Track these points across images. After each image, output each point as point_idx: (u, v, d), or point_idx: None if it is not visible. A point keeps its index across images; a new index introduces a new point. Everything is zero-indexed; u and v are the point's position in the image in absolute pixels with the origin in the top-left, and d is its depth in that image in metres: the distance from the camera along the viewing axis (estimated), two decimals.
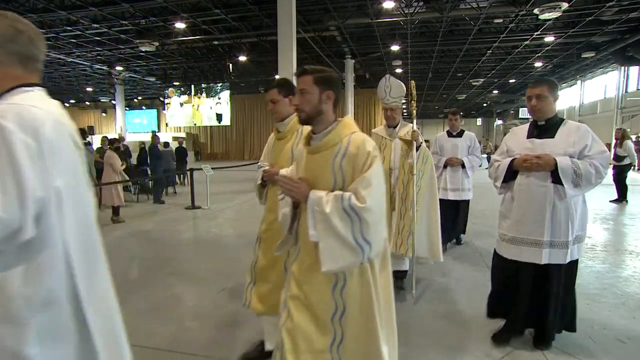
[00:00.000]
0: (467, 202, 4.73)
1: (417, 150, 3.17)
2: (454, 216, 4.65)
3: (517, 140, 2.40)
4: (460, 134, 4.67)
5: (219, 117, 21.16)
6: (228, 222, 6.74)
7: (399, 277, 3.38)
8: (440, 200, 3.66)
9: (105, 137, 9.20)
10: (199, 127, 28.41)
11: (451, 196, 4.55)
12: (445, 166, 4.58)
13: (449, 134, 4.71)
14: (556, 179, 2.17)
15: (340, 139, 1.51)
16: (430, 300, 3.26)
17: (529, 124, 2.43)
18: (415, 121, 3.29)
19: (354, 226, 1.39)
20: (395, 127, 3.37)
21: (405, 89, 3.30)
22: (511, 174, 2.35)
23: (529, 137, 2.35)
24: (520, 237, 2.31)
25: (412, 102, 3.32)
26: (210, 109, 21.26)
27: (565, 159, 2.15)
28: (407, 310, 3.03)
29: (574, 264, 2.33)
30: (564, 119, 2.30)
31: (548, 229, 2.22)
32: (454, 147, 4.60)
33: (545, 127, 2.31)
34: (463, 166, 4.57)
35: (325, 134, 1.54)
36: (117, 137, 14.68)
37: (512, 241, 2.34)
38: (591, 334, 2.61)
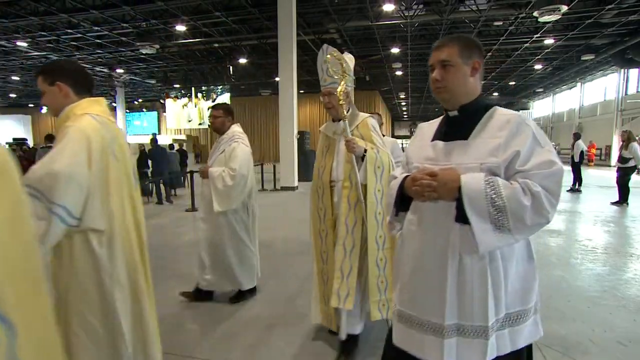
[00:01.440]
0: None
1: (362, 161, 2.24)
2: None
3: (420, 144, 1.39)
4: None
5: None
6: None
7: (346, 348, 2.32)
8: None
9: None
10: (200, 129, 28.49)
11: None
12: None
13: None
14: (462, 215, 1.17)
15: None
16: None
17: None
18: (346, 122, 2.27)
19: None
20: (340, 120, 2.33)
21: (352, 64, 2.37)
22: (406, 202, 1.35)
23: (434, 137, 1.35)
24: (410, 315, 1.32)
25: (342, 83, 2.26)
26: (202, 111, 21.49)
27: (475, 179, 1.15)
28: None
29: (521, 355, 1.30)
30: (492, 105, 1.29)
31: (452, 304, 1.22)
32: None
33: (458, 120, 1.30)
34: None
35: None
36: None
37: (401, 319, 1.35)
38: (592, 336, 2.60)
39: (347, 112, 2.32)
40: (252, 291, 3.31)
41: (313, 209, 2.50)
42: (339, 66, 2.26)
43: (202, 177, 3.08)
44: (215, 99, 21.39)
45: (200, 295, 3.19)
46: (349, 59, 2.37)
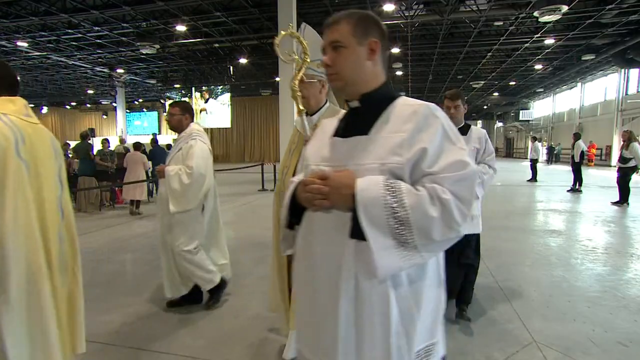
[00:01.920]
0: (473, 238, 2.89)
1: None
2: (452, 261, 2.73)
3: (320, 142, 1.15)
4: (463, 131, 2.86)
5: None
6: (228, 224, 6.73)
7: None
8: None
9: (106, 139, 9.29)
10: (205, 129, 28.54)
11: None
12: None
13: None
14: (359, 229, 0.92)
15: None
16: None
17: None
18: (303, 117, 1.79)
19: None
20: (313, 114, 2.04)
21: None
22: (301, 212, 1.10)
23: (335, 134, 1.11)
24: (305, 357, 1.09)
25: (302, 68, 1.80)
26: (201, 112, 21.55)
27: (374, 183, 0.92)
28: None
29: None
30: (397, 95, 1.06)
31: (347, 344, 0.97)
32: None
33: (360, 112, 1.07)
34: None
35: None
36: (122, 140, 14.71)
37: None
38: (592, 337, 2.60)
39: (323, 106, 2.05)
40: (198, 297, 3.15)
41: (275, 216, 2.20)
42: (298, 45, 1.86)
43: (159, 177, 2.94)
44: (207, 99, 21.37)
45: (188, 299, 3.11)
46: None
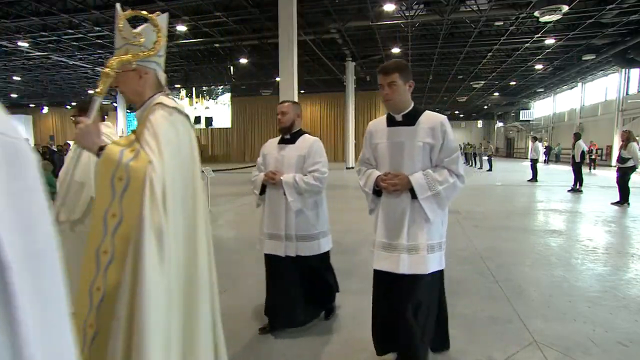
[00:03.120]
0: (426, 281, 1.94)
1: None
2: (401, 310, 1.95)
3: None
4: (410, 119, 1.99)
5: (209, 121, 21.42)
6: (229, 224, 6.74)
7: None
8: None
9: None
10: (200, 129, 28.49)
11: (388, 264, 1.96)
12: (377, 192, 2.05)
13: (391, 121, 2.07)
14: None
15: None
16: None
17: None
18: (94, 99, 1.53)
19: None
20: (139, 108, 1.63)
21: (150, 34, 1.59)
22: None
23: None
24: None
25: (126, 56, 1.62)
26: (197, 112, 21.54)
27: None
28: None
29: None
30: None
31: None
32: (397, 147, 2.00)
33: None
34: (414, 195, 1.92)
35: None
36: None
37: None
38: (592, 337, 2.60)
39: (148, 99, 1.61)
40: None
41: None
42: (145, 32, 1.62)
43: None
44: (182, 99, 21.33)
45: None
46: (160, 23, 1.62)
